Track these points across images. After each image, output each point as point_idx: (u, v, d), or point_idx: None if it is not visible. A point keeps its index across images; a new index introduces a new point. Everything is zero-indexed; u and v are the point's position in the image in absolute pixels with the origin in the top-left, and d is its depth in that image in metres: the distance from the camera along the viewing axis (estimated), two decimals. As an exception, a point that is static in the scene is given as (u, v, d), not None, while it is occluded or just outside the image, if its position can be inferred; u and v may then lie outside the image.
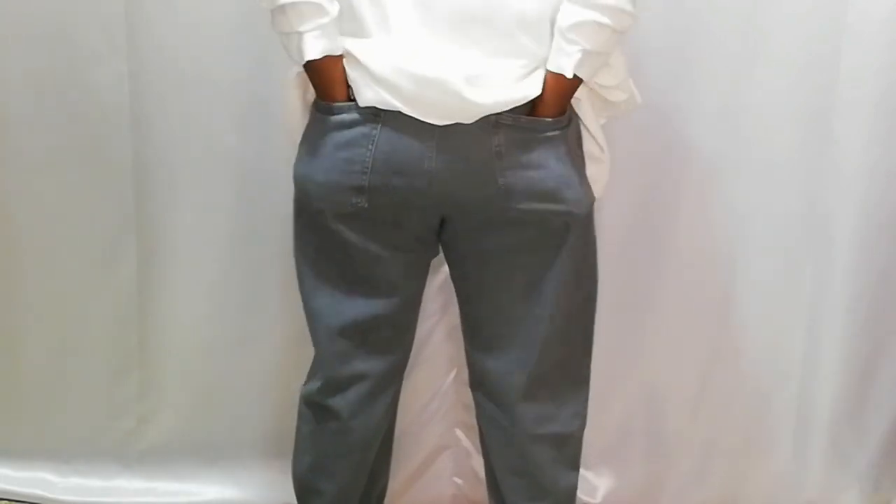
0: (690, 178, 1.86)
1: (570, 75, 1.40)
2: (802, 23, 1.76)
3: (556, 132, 1.42)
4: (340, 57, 1.41)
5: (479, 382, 1.64)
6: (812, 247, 1.88)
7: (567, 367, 1.60)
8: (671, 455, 1.99)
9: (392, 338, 1.60)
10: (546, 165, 1.43)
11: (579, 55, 1.39)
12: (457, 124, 1.39)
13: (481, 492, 1.78)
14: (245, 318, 1.95)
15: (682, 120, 1.82)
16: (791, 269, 1.90)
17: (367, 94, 1.40)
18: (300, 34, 1.40)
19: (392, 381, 1.63)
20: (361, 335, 1.56)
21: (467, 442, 1.98)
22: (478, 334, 1.59)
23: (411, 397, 1.93)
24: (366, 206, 1.43)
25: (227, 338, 1.96)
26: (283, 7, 1.40)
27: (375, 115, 1.40)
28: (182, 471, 2.01)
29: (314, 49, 1.40)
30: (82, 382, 1.99)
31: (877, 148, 1.82)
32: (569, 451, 1.65)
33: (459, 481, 2.02)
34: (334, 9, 1.40)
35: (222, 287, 1.94)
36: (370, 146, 1.41)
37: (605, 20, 1.37)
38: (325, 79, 1.43)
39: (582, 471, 1.98)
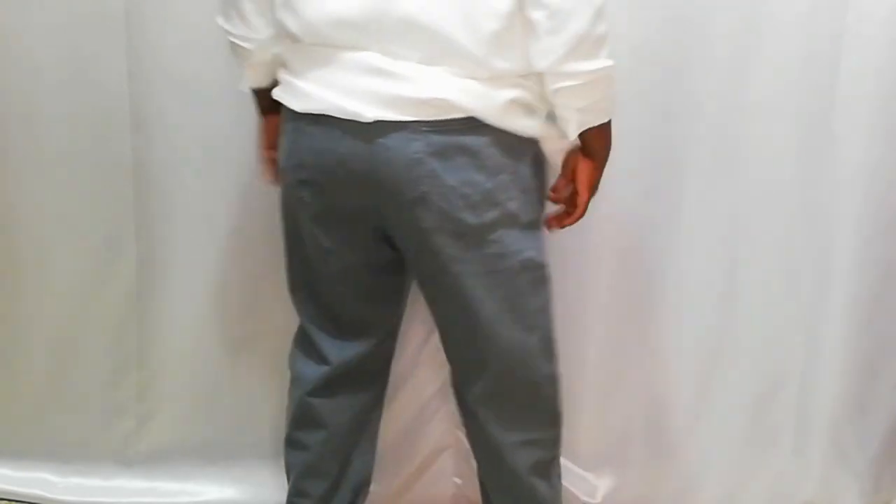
0: (690, 178, 1.85)
1: (572, 138, 1.47)
2: (802, 23, 1.76)
3: (473, 139, 1.41)
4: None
5: (453, 391, 1.68)
6: (812, 247, 1.88)
7: (521, 376, 1.57)
8: (671, 455, 1.99)
9: (355, 329, 1.63)
10: (466, 177, 1.42)
11: (576, 115, 1.44)
12: (382, 129, 1.40)
13: (480, 493, 1.79)
14: (245, 318, 1.95)
15: (682, 120, 1.82)
16: (791, 269, 1.90)
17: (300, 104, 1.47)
18: (239, 64, 1.59)
19: (355, 373, 1.66)
20: (327, 323, 1.63)
21: (467, 442, 1.98)
22: (442, 344, 1.63)
23: (411, 397, 1.93)
24: (309, 200, 1.50)
25: (227, 338, 1.96)
26: (228, 38, 1.55)
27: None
28: (182, 471, 2.01)
29: (246, 82, 1.61)
30: (82, 382, 1.99)
31: (877, 148, 1.82)
32: (542, 455, 1.63)
33: (459, 481, 2.02)
34: (266, 55, 1.53)
35: (222, 288, 1.94)
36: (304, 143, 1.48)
37: (581, 81, 1.39)
38: (259, 103, 1.64)
39: (582, 471, 2.00)
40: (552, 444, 1.65)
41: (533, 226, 1.52)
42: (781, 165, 1.84)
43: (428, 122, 1.39)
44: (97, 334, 1.97)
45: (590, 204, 1.58)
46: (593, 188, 1.56)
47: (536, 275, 1.53)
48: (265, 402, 1.98)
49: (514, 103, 1.43)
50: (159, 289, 1.95)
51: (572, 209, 1.57)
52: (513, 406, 1.60)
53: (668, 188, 1.86)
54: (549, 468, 1.66)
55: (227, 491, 2.00)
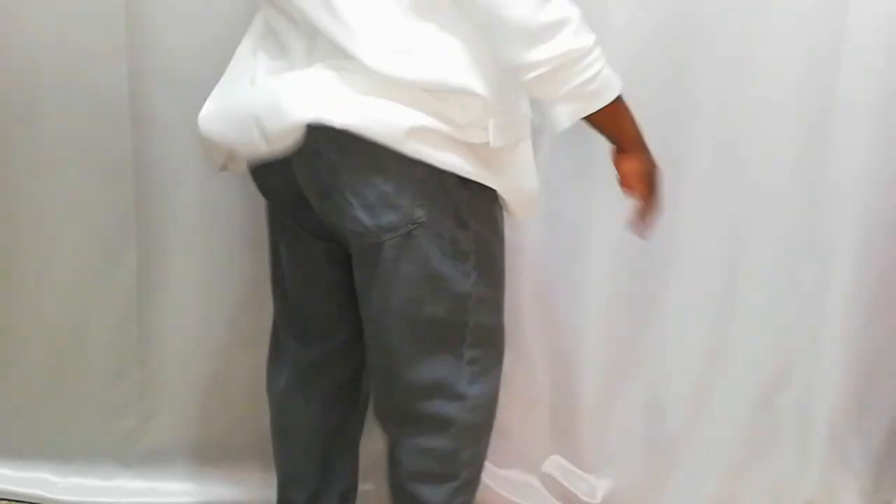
0: (690, 178, 1.85)
1: (566, 126, 1.37)
2: (802, 23, 1.76)
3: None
4: None
5: None
6: (812, 247, 1.88)
7: (409, 378, 1.49)
8: (671, 455, 1.99)
9: (316, 327, 1.63)
10: (362, 176, 1.36)
11: (563, 105, 1.35)
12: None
13: (480, 493, 1.78)
14: (245, 318, 1.95)
15: (682, 121, 1.82)
16: (791, 269, 1.90)
17: None
18: None
19: (321, 374, 1.66)
20: (287, 315, 1.65)
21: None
22: None
23: (411, 397, 1.93)
24: (259, 189, 1.56)
25: (227, 338, 1.96)
26: None
27: None
28: (182, 471, 2.01)
29: None
30: (82, 382, 1.99)
31: (878, 148, 1.82)
32: (434, 467, 1.54)
33: (459, 481, 2.02)
34: None
35: (222, 287, 1.94)
36: None
37: (546, 68, 1.30)
38: None
39: (582, 472, 1.99)
40: (446, 460, 1.53)
41: (444, 235, 1.40)
42: (782, 165, 1.84)
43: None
44: (97, 333, 1.97)
45: (650, 197, 1.50)
46: (644, 177, 1.47)
47: (440, 285, 1.42)
48: (264, 402, 1.97)
49: (422, 132, 1.32)
50: (159, 289, 1.95)
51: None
52: (390, 406, 1.54)
53: (668, 189, 1.85)
54: (441, 482, 1.54)
55: (227, 491, 2.00)
